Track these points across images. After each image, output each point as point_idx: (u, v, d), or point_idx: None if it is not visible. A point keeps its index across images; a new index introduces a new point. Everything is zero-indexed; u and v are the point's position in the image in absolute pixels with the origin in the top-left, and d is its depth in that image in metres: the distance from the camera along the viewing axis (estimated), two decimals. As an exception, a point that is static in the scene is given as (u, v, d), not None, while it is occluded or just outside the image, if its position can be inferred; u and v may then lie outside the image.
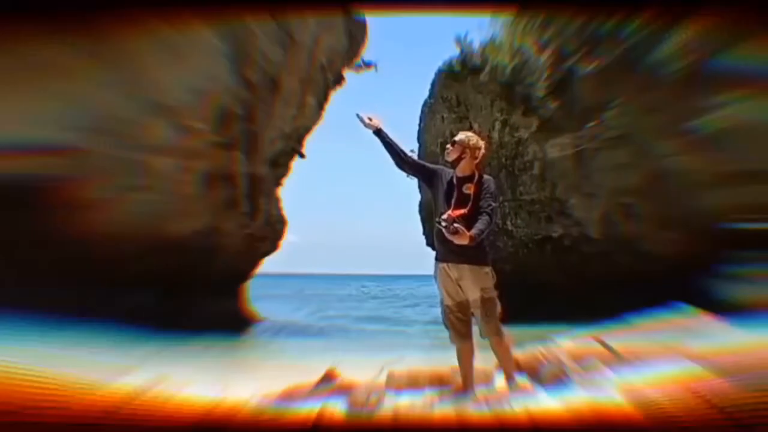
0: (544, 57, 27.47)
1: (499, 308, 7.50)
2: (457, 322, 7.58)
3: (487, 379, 8.01)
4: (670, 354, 7.93)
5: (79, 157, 18.83)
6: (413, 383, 8.01)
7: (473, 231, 7.18)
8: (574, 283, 27.56)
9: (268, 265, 28.65)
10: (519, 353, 8.29)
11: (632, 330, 9.24)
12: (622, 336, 9.00)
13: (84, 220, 19.40)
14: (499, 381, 7.86)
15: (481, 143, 7.64)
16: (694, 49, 20.23)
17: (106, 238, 20.19)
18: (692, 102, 21.89)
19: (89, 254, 19.60)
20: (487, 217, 7.32)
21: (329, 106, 28.87)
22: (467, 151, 7.60)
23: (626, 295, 24.44)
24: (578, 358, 8.22)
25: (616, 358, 8.30)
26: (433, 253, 7.74)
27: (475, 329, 7.59)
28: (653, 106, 24.37)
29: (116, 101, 19.35)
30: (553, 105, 27.73)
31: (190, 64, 20.68)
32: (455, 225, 7.12)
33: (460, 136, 7.70)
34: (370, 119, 7.49)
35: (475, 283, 7.45)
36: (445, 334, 7.75)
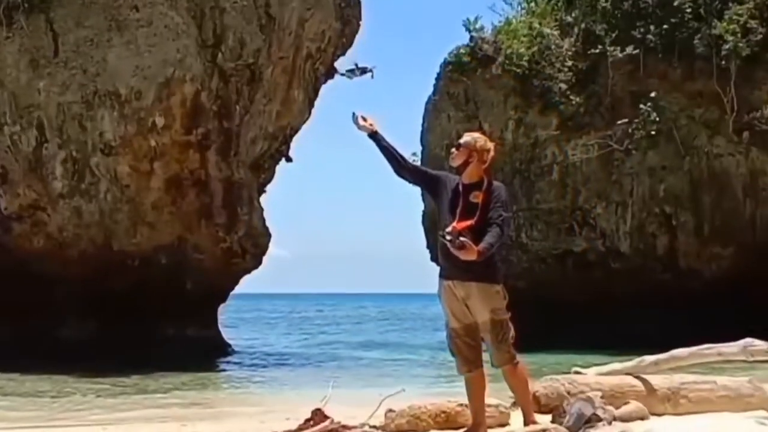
0: (568, 42, 27.36)
1: (512, 332, 7.39)
2: (465, 348, 7.44)
3: (502, 419, 7.98)
4: (740, 404, 7.98)
5: (9, 155, 19.01)
6: (415, 423, 7.97)
7: (482, 245, 7.06)
8: (599, 303, 27.05)
9: (249, 284, 28.28)
10: (538, 387, 8.31)
11: (678, 363, 8.73)
12: (664, 372, 8.69)
13: (14, 232, 19.64)
14: (516, 422, 7.82)
15: (490, 145, 7.51)
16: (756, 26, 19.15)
17: (44, 255, 20.48)
18: (752, 90, 20.75)
19: (22, 276, 19.81)
20: (497, 229, 7.19)
21: (320, 103, 27.87)
22: (474, 154, 7.43)
23: (664, 320, 24.34)
24: (612, 397, 8.03)
25: (660, 401, 8.29)
26: (438, 269, 7.59)
27: (486, 357, 7.46)
28: (701, 97, 24.33)
29: (57, 88, 19.68)
30: (577, 99, 27.50)
31: (149, 47, 20.86)
32: (461, 239, 7.01)
33: (466, 137, 7.59)
34: (365, 119, 7.49)
35: (484, 304, 7.31)
36: (452, 362, 7.61)
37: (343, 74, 7.54)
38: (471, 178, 7.46)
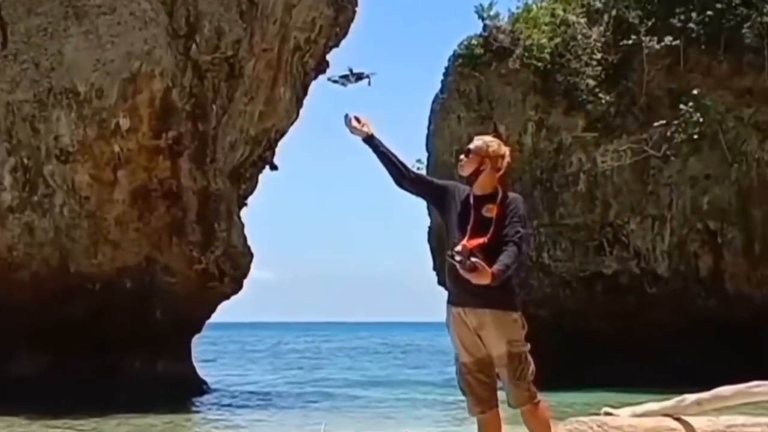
0: (597, 31, 27.26)
1: (532, 367, 7.25)
2: (478, 386, 7.32)
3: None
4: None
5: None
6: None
7: (497, 267, 6.94)
8: (633, 334, 27.05)
9: (228, 311, 28.38)
10: (562, 430, 8.12)
11: (724, 403, 8.55)
12: (708, 413, 8.49)
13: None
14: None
15: (505, 149, 7.41)
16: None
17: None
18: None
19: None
20: (514, 248, 7.11)
21: (309, 101, 28.07)
22: (486, 161, 7.37)
23: (707, 353, 24.60)
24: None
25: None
26: (446, 294, 7.44)
27: (502, 395, 7.27)
28: (750, 95, 24.26)
29: (5, 86, 19.85)
30: (606, 98, 27.50)
31: (112, 37, 20.81)
32: (473, 259, 6.87)
33: (476, 142, 7.48)
34: (359, 121, 7.40)
35: (500, 334, 7.21)
36: (463, 401, 7.37)
37: (335, 81, 7.44)
38: (483, 188, 7.41)
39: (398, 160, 7.53)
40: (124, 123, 21.63)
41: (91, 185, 21.83)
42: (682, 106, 26.18)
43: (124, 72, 21.42)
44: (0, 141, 21.87)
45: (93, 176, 21.76)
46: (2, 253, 22.12)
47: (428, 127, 31.87)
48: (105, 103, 21.33)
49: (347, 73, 8.71)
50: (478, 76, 29.59)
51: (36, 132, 21.66)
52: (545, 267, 29.29)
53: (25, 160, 21.78)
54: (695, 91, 26.26)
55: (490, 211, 7.27)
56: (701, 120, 26.18)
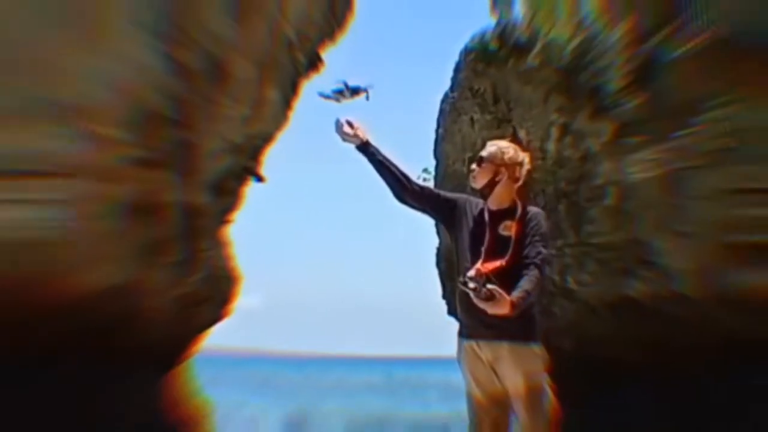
0: (622, 28, 26.56)
1: (551, 402, 7.56)
2: (491, 424, 7.60)
3: None
4: None
5: None
6: None
7: (516, 294, 7.12)
8: (664, 363, 27.22)
9: (214, 340, 29.09)
10: None
11: None
12: None
13: None
14: None
15: (523, 156, 7.75)
16: None
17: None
18: None
19: None
20: (536, 272, 7.35)
21: (301, 105, 29.05)
22: (503, 170, 7.70)
23: (748, 384, 25.17)
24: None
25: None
26: (456, 325, 7.82)
27: None
28: None
29: None
30: (633, 102, 27.13)
31: (88, 38, 20.60)
32: (489, 286, 7.02)
33: (490, 148, 7.84)
34: (351, 125, 7.82)
35: (517, 368, 7.52)
36: None
37: (327, 96, 8.03)
38: (500, 203, 7.77)
39: (399, 170, 7.87)
40: (101, 132, 21.45)
41: (63, 198, 21.50)
42: (714, 112, 25.37)
43: (102, 75, 21.11)
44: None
45: (64, 188, 21.48)
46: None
47: (436, 131, 32.43)
48: (80, 110, 20.98)
49: (341, 87, 9.17)
50: (493, 73, 29.89)
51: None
52: (569, 292, 29.54)
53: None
54: (731, 95, 25.42)
55: (508, 228, 7.62)
56: (737, 126, 25.23)
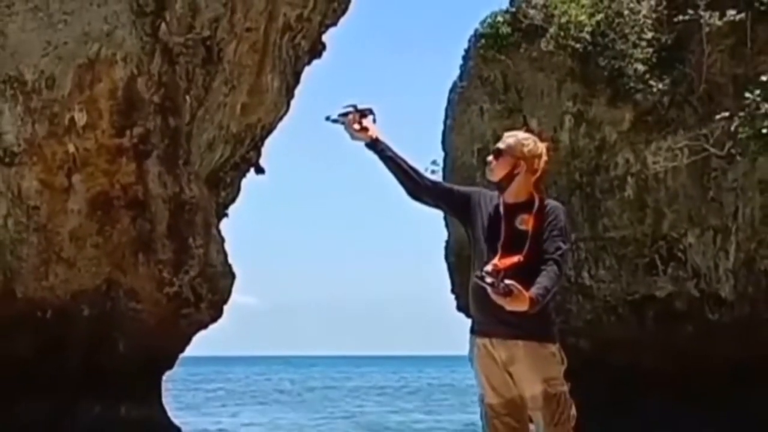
0: (647, 6, 27.08)
1: (573, 411, 7.19)
2: None
3: None
4: None
5: None
6: None
7: (534, 290, 6.92)
8: (690, 371, 26.54)
9: (205, 344, 29.07)
10: None
11: None
12: None
13: None
14: None
15: (541, 147, 7.43)
16: None
17: None
18: None
19: None
20: (554, 268, 7.13)
21: (302, 91, 28.57)
22: (522, 163, 7.37)
23: None
24: None
25: None
26: (468, 322, 7.50)
27: None
28: None
29: None
30: (659, 86, 27.09)
31: (65, 15, 21.07)
32: (506, 281, 6.82)
33: (508, 139, 7.48)
34: (357, 120, 7.47)
35: (534, 371, 7.23)
36: None
37: (335, 121, 7.38)
38: (517, 196, 7.40)
39: (410, 166, 7.54)
40: (80, 118, 21.78)
41: (41, 192, 21.97)
42: (748, 95, 25.60)
43: (80, 57, 21.56)
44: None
45: (43, 182, 21.92)
46: None
47: (444, 122, 31.84)
48: (57, 94, 21.47)
49: (350, 110, 8.61)
50: (504, 60, 29.44)
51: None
52: (586, 289, 29.14)
53: (-39, 162, 21.98)
54: (765, 77, 25.66)
55: (525, 222, 7.26)
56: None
